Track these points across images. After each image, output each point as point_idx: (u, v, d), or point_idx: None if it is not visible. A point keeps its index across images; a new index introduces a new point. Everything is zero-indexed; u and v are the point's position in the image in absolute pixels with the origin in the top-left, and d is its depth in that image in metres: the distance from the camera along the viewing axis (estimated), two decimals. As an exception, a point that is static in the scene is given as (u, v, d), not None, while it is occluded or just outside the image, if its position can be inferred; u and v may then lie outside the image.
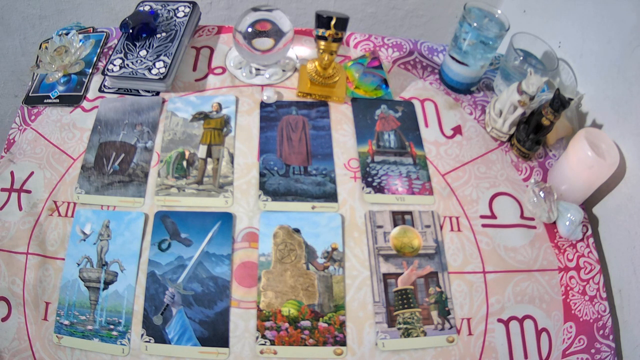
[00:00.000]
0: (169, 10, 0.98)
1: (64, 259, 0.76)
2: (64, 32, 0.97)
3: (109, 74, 0.90)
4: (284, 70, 0.96)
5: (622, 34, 0.84)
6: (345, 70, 0.97)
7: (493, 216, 0.83)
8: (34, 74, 0.97)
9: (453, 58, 0.93)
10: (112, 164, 0.84)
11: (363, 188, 0.83)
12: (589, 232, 0.84)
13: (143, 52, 0.92)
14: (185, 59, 0.97)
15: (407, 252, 0.78)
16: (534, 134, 0.86)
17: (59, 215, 0.80)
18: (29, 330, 0.72)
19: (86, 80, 0.94)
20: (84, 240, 0.77)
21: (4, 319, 0.73)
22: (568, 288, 0.79)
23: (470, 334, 0.74)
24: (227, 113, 0.89)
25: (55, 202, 0.81)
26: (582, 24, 0.94)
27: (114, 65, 0.90)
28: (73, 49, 0.94)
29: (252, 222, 0.79)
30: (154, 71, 0.89)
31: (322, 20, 0.82)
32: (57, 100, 0.92)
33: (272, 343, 0.71)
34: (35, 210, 0.80)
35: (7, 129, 0.92)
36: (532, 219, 0.83)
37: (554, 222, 0.83)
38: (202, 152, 0.85)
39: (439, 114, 0.94)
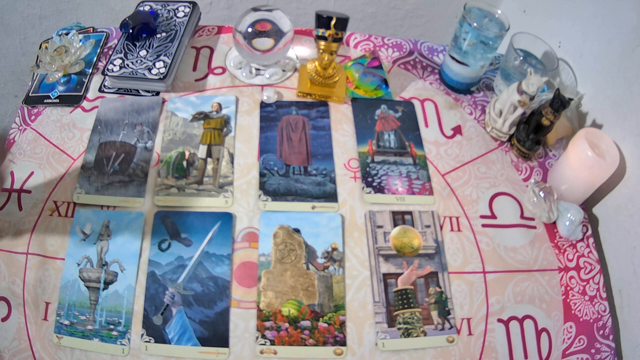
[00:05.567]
0: (169, 10, 0.98)
1: (64, 259, 0.76)
2: (64, 32, 0.97)
3: (109, 74, 0.90)
4: (284, 70, 0.96)
5: (622, 34, 0.84)
6: (345, 70, 0.97)
7: (493, 216, 0.83)
8: (34, 74, 0.97)
9: (453, 58, 0.93)
10: (112, 164, 0.84)
11: (363, 188, 0.83)
12: (589, 232, 0.84)
13: (143, 52, 0.92)
14: (185, 59, 0.97)
15: (407, 252, 0.78)
16: (534, 134, 0.86)
17: (59, 215, 0.80)
18: (29, 330, 0.72)
19: (86, 80, 0.94)
20: (84, 240, 0.77)
21: (4, 319, 0.73)
22: (568, 288, 0.79)
23: (470, 334, 0.74)
24: (227, 113, 0.89)
25: (55, 202, 0.81)
26: (582, 24, 0.94)
27: (114, 65, 0.90)
28: (73, 49, 0.94)
29: (252, 222, 0.79)
30: (154, 71, 0.89)
31: (322, 20, 0.82)
32: (57, 100, 0.92)
33: (272, 343, 0.71)
34: (35, 210, 0.80)
35: (7, 129, 0.92)
36: (532, 219, 0.83)
37: (554, 222, 0.83)
38: (202, 152, 0.85)
39: (439, 114, 0.93)
